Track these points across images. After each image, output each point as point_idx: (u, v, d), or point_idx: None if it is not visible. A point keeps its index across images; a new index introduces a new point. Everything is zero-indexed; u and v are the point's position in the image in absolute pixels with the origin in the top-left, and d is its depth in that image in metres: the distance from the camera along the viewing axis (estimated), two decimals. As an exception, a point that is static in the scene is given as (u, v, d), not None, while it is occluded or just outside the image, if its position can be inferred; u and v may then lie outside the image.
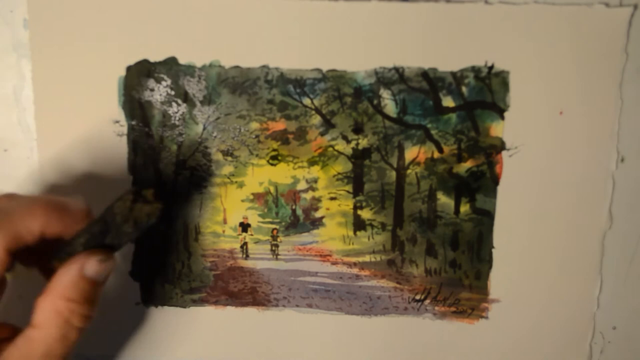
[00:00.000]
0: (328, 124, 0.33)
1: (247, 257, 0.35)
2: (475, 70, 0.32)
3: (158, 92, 0.33)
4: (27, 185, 0.35)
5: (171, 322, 0.36)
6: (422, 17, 0.31)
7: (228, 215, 0.35)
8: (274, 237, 0.35)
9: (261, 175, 0.34)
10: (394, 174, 0.34)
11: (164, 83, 0.33)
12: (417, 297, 0.35)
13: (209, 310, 0.36)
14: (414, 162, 0.33)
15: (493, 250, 0.34)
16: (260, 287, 0.36)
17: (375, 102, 0.33)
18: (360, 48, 0.32)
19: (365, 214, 0.34)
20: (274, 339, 0.36)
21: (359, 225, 0.35)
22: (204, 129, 0.34)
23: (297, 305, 0.36)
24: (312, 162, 0.34)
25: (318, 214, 0.35)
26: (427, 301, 0.35)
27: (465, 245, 0.34)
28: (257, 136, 0.34)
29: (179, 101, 0.33)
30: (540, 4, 0.31)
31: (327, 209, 0.34)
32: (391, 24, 0.31)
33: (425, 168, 0.33)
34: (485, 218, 0.34)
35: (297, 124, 0.33)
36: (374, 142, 0.33)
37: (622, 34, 0.31)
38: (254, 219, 0.35)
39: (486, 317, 0.35)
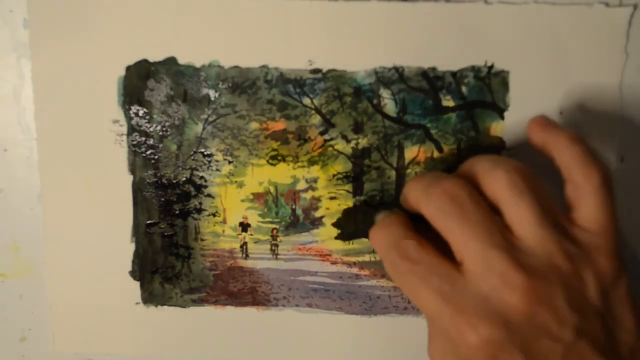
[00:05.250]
0: (328, 124, 0.33)
1: (247, 257, 0.35)
2: (475, 70, 0.32)
3: (158, 92, 0.33)
4: (27, 185, 0.35)
5: (171, 322, 0.36)
6: (422, 17, 0.31)
7: (228, 215, 0.35)
8: (274, 237, 0.35)
9: (261, 175, 0.34)
10: (394, 173, 0.34)
11: (164, 83, 0.33)
12: (417, 297, 0.35)
13: (209, 310, 0.36)
14: (414, 162, 0.33)
15: (493, 250, 0.34)
16: (260, 287, 0.36)
17: (375, 102, 0.33)
18: (360, 48, 0.32)
19: (365, 214, 0.34)
20: (274, 339, 0.36)
21: (359, 225, 0.35)
22: (204, 129, 0.34)
23: (297, 305, 0.36)
24: (312, 162, 0.34)
25: (318, 214, 0.35)
26: (427, 301, 0.35)
27: (465, 245, 0.34)
28: (257, 136, 0.34)
29: (179, 101, 0.33)
30: (540, 4, 0.31)
31: (327, 209, 0.34)
32: (391, 24, 0.31)
33: (425, 168, 0.33)
34: (485, 218, 0.34)
35: (297, 124, 0.33)
36: (374, 142, 0.33)
37: (622, 34, 0.31)
38: (254, 219, 0.35)
39: (486, 317, 0.35)
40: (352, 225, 0.34)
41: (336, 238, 0.34)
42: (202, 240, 0.35)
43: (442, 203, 0.26)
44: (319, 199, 0.34)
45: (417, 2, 0.31)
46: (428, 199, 0.27)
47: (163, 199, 0.35)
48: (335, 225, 0.34)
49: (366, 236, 0.34)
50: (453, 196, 0.26)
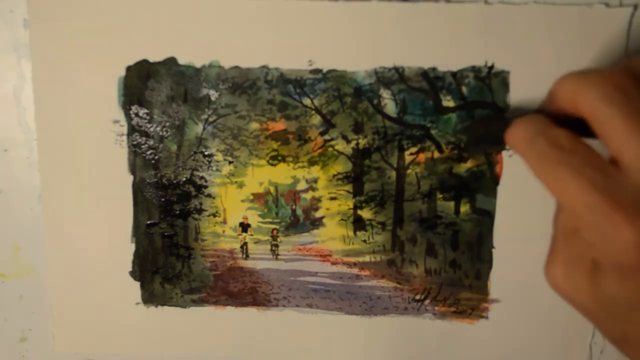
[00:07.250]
0: (328, 124, 0.33)
1: (247, 257, 0.35)
2: (475, 70, 0.32)
3: (158, 92, 0.33)
4: (27, 185, 0.35)
5: (171, 322, 0.36)
6: (422, 17, 0.31)
7: (228, 215, 0.35)
8: (274, 237, 0.35)
9: (261, 175, 0.34)
10: (394, 174, 0.34)
11: (164, 83, 0.33)
12: (417, 297, 0.35)
13: (209, 310, 0.36)
14: (414, 162, 0.33)
15: (493, 250, 0.34)
16: (260, 287, 0.36)
17: (375, 101, 0.33)
18: (360, 48, 0.32)
19: (365, 213, 0.34)
20: (274, 339, 0.36)
21: (359, 225, 0.35)
22: (204, 129, 0.34)
23: (297, 305, 0.36)
24: (312, 162, 0.34)
25: (318, 214, 0.35)
26: (427, 301, 0.35)
27: (465, 245, 0.34)
28: (257, 136, 0.34)
29: (179, 101, 0.33)
30: (540, 4, 0.31)
31: (327, 209, 0.34)
32: (391, 24, 0.31)
33: (425, 168, 0.33)
34: (485, 218, 0.34)
35: (297, 124, 0.33)
36: (374, 142, 0.33)
37: (622, 34, 0.31)
38: (254, 219, 0.35)
39: (486, 317, 0.35)
40: (483, 129, 0.31)
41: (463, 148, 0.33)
42: (202, 240, 0.35)
43: (606, 91, 0.23)
44: (319, 199, 0.34)
45: (417, 2, 0.31)
46: (590, 86, 0.24)
47: (163, 199, 0.35)
48: (461, 131, 0.32)
49: (494, 142, 0.31)
50: (618, 84, 0.23)
